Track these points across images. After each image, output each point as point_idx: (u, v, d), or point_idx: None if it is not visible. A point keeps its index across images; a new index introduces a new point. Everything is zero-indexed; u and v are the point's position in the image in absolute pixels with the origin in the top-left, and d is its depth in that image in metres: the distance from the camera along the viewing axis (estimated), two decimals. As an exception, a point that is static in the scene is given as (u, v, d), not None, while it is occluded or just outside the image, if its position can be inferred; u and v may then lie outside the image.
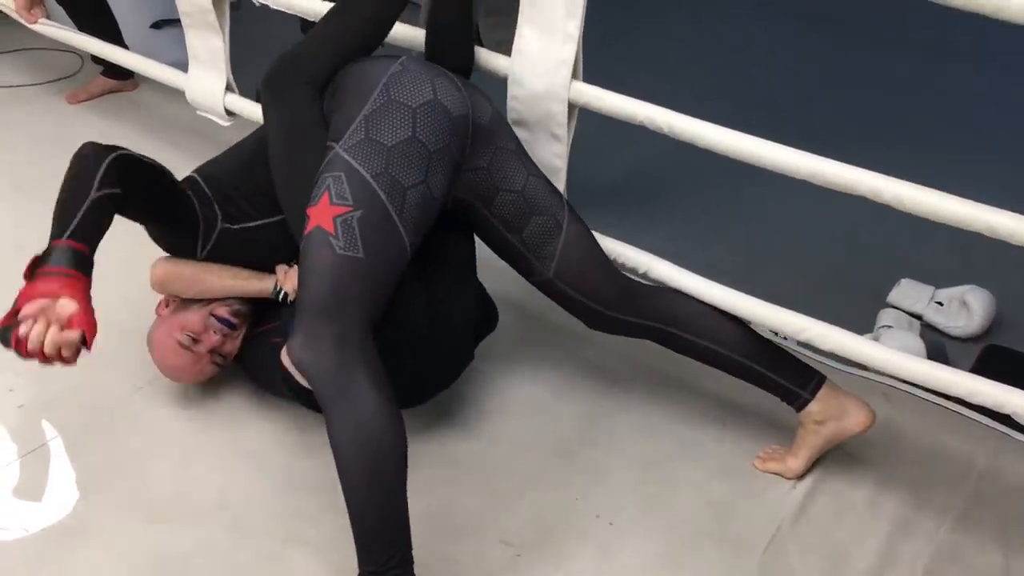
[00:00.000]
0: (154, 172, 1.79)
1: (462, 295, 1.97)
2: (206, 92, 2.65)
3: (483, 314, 2.08)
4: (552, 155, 2.03)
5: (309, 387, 1.63)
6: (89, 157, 1.60)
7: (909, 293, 2.53)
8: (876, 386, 2.16)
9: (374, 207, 1.64)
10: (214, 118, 2.69)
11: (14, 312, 1.39)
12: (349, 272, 1.63)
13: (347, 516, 1.83)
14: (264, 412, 2.06)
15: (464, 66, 2.00)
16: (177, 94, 2.87)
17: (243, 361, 2.04)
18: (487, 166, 1.84)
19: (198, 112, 2.74)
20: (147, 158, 1.77)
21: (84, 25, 3.10)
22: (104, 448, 1.96)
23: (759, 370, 1.90)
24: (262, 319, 2.01)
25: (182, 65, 2.75)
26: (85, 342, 1.41)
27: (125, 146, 1.70)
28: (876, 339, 2.33)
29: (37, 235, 2.54)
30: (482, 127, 1.82)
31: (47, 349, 1.38)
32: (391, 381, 1.62)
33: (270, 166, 1.86)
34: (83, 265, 1.47)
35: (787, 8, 4.41)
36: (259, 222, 1.93)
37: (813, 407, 1.89)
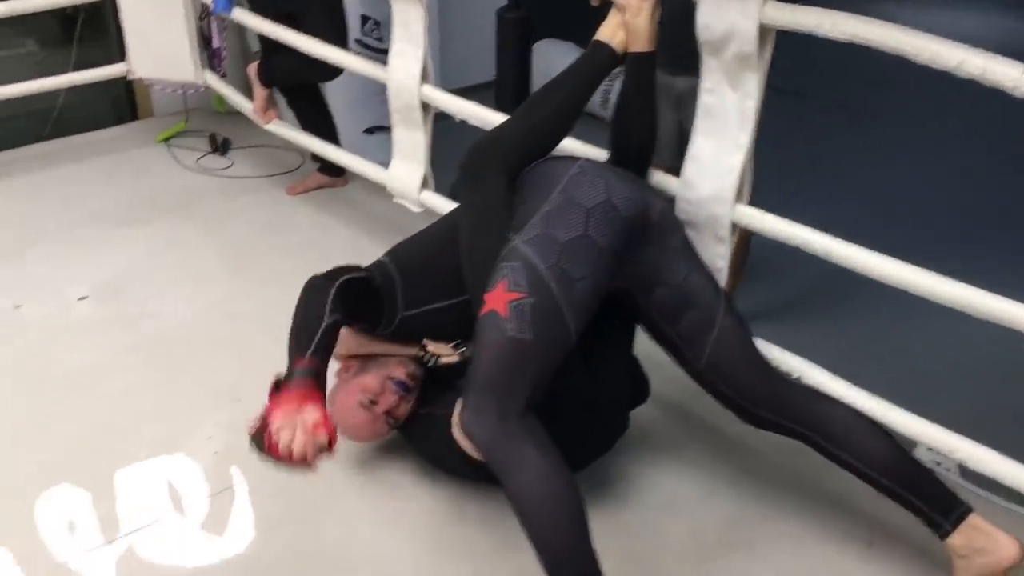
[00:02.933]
0: (363, 287, 1.99)
1: (618, 368, 2.11)
2: (404, 180, 2.94)
3: (636, 386, 2.22)
4: (715, 255, 2.15)
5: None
6: (317, 288, 1.87)
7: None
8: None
9: (545, 296, 1.80)
10: (408, 204, 2.97)
11: (264, 421, 1.59)
12: (517, 353, 1.79)
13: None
14: (423, 482, 2.22)
15: (643, 157, 2.17)
16: (380, 191, 3.19)
17: (412, 437, 2.21)
18: (650, 261, 1.96)
19: (394, 199, 3.03)
20: (357, 274, 1.98)
21: (308, 126, 3.51)
22: (283, 497, 2.17)
23: (900, 492, 1.88)
24: (427, 401, 2.17)
25: (386, 165, 3.06)
26: (329, 444, 1.59)
27: (342, 267, 1.97)
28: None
29: (248, 306, 2.89)
30: (651, 224, 1.96)
31: (296, 452, 1.57)
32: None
33: (459, 242, 2.03)
34: (321, 379, 1.70)
35: (977, 131, 4.37)
36: (436, 305, 2.11)
37: (955, 539, 1.84)
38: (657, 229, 1.98)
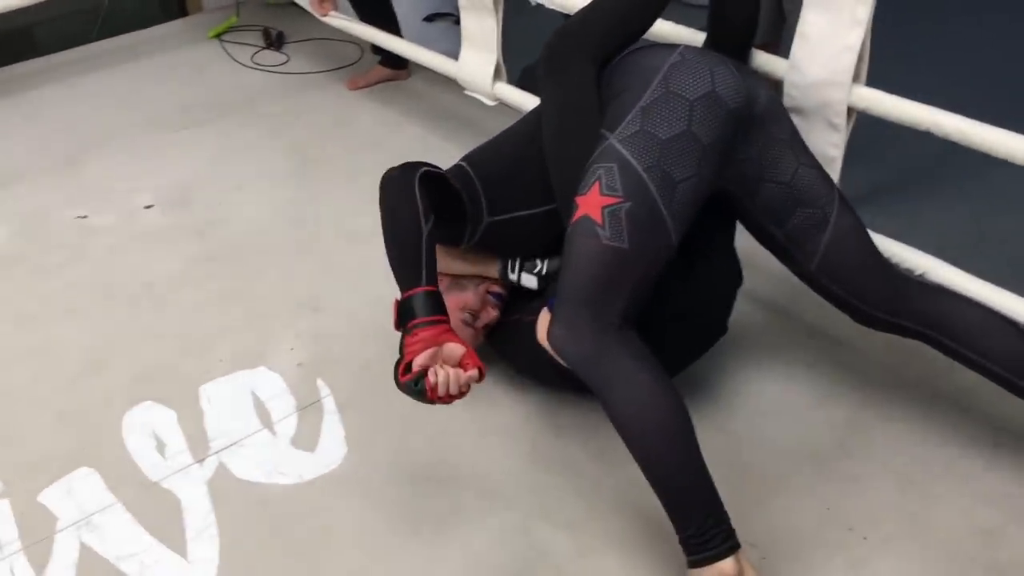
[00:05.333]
0: (442, 182, 1.83)
1: (719, 271, 1.97)
2: (476, 72, 2.74)
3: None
4: (828, 144, 1.97)
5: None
6: (400, 186, 1.69)
7: None
8: None
9: (644, 200, 1.66)
10: (481, 98, 2.78)
11: (408, 365, 1.56)
12: (612, 262, 1.66)
13: (590, 497, 1.87)
14: (516, 393, 2.13)
15: (746, 37, 1.98)
16: (445, 84, 3.01)
17: (498, 345, 2.10)
18: (756, 156, 1.80)
19: (466, 92, 2.85)
20: (433, 168, 1.80)
21: (367, 17, 3.31)
22: (370, 409, 2.09)
23: None
24: (511, 306, 2.06)
25: (450, 55, 2.88)
26: (480, 375, 1.57)
27: (415, 161, 1.79)
28: None
29: (320, 209, 2.78)
30: (756, 115, 1.79)
31: (453, 390, 1.55)
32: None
33: (543, 141, 1.88)
34: (442, 306, 1.60)
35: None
36: (523, 213, 1.95)
37: None
38: (761, 120, 1.80)
